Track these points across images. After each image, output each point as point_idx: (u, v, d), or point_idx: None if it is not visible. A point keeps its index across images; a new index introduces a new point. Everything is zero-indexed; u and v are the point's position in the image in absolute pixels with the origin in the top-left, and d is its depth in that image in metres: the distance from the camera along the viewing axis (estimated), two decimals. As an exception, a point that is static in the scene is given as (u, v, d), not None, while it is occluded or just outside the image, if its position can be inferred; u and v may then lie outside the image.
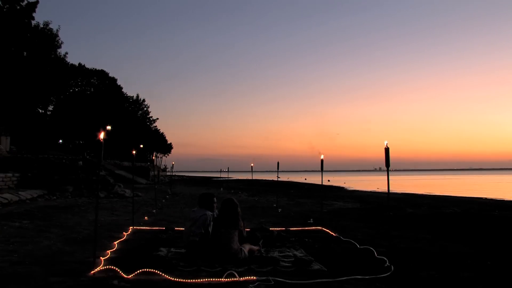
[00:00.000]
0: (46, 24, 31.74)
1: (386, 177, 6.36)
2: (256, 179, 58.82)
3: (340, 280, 4.82)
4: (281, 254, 6.20)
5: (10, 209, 11.96)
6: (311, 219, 10.41)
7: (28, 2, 27.61)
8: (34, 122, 33.19)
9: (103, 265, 5.26)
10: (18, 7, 27.25)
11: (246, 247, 5.92)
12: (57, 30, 32.73)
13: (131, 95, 69.45)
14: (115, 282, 4.66)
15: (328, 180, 59.92)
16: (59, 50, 33.56)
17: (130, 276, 4.87)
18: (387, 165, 11.75)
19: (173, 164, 41.44)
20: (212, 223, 6.04)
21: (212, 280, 4.77)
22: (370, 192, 30.62)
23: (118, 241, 7.14)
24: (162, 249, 6.53)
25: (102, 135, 5.28)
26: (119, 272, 4.96)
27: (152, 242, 7.15)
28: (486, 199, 22.89)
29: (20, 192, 15.25)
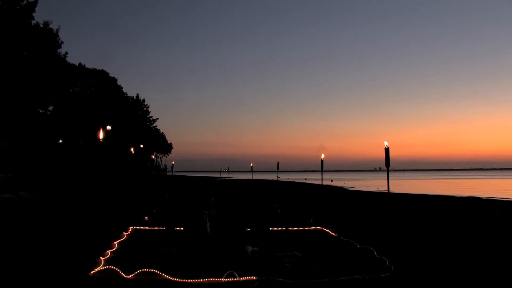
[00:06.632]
0: (46, 24, 31.72)
1: (385, 177, 6.36)
2: (256, 179, 58.86)
3: (340, 280, 4.82)
4: (281, 254, 6.21)
5: (10, 209, 11.96)
6: (311, 219, 10.40)
7: (28, 1, 27.61)
8: (34, 122, 33.19)
9: (103, 265, 5.26)
10: (18, 7, 27.25)
11: (249, 248, 5.94)
12: (57, 30, 32.71)
13: (131, 95, 69.53)
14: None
15: (331, 180, 59.92)
16: (59, 50, 33.55)
17: (130, 276, 4.88)
18: (387, 165, 11.77)
19: (173, 163, 41.76)
20: (210, 223, 6.05)
21: (212, 280, 4.77)
22: (370, 192, 30.62)
23: (118, 241, 7.14)
24: (162, 249, 6.54)
25: (101, 135, 5.31)
26: (119, 272, 4.96)
27: (152, 242, 7.15)
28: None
29: (20, 192, 15.26)
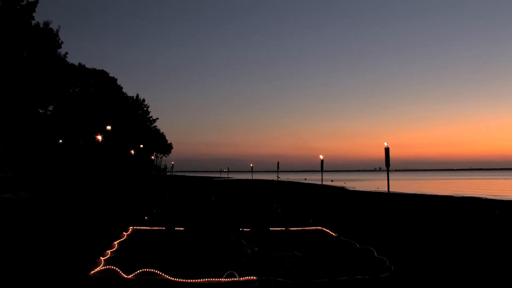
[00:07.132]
0: (46, 24, 31.72)
1: (386, 177, 6.36)
2: (256, 179, 58.86)
3: (340, 280, 4.82)
4: (281, 254, 6.20)
5: (10, 209, 11.96)
6: (311, 219, 10.39)
7: (28, 1, 27.60)
8: (34, 123, 33.20)
9: (103, 265, 5.26)
10: (18, 7, 27.24)
11: (250, 248, 5.94)
12: (57, 30, 32.71)
13: (131, 95, 69.49)
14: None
15: (332, 180, 59.79)
16: (59, 50, 33.56)
17: (130, 276, 4.87)
18: (387, 165, 11.76)
19: (172, 164, 41.86)
20: (214, 223, 6.05)
21: (212, 280, 4.77)
22: (370, 192, 30.61)
23: (118, 241, 7.14)
24: (162, 249, 6.53)
25: (100, 138, 5.33)
26: (119, 272, 4.96)
27: (152, 242, 7.15)
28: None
29: (20, 192, 15.26)
